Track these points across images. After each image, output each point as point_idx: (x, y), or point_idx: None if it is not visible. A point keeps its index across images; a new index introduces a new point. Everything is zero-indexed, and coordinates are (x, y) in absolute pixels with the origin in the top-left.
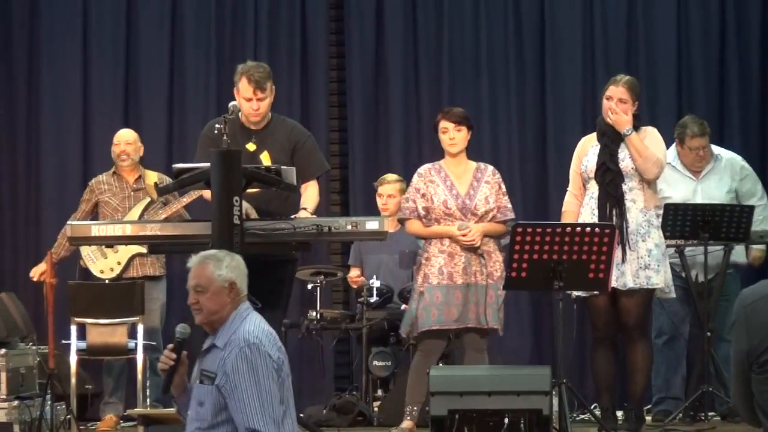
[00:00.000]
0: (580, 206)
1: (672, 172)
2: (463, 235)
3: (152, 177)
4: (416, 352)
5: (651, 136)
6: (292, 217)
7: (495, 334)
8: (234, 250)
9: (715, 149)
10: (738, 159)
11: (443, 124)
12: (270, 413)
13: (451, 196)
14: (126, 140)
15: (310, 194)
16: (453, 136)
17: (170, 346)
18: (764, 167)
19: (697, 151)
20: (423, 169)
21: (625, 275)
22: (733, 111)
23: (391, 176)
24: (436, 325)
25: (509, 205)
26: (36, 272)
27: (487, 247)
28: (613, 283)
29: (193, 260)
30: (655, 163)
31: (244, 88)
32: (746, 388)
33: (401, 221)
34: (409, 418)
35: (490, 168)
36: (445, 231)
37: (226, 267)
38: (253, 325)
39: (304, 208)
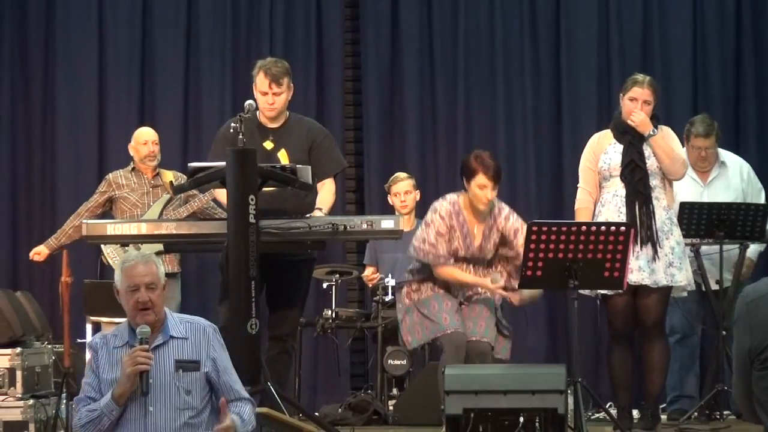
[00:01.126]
0: (596, 203)
1: None
2: (499, 288)
3: (168, 176)
4: (442, 354)
5: (669, 137)
6: (308, 216)
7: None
8: (250, 248)
9: (723, 155)
10: (745, 165)
11: (483, 179)
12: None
13: (464, 245)
14: (153, 140)
15: (325, 194)
16: (490, 196)
17: (144, 346)
18: None
19: (699, 151)
20: (444, 210)
21: (656, 273)
22: (750, 109)
23: (401, 175)
24: (440, 333)
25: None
26: (33, 252)
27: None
28: (644, 281)
29: (135, 260)
30: (683, 163)
31: (260, 81)
32: (747, 385)
33: (434, 265)
34: None
35: (505, 212)
36: (480, 283)
37: (161, 266)
38: (184, 314)
39: (319, 209)
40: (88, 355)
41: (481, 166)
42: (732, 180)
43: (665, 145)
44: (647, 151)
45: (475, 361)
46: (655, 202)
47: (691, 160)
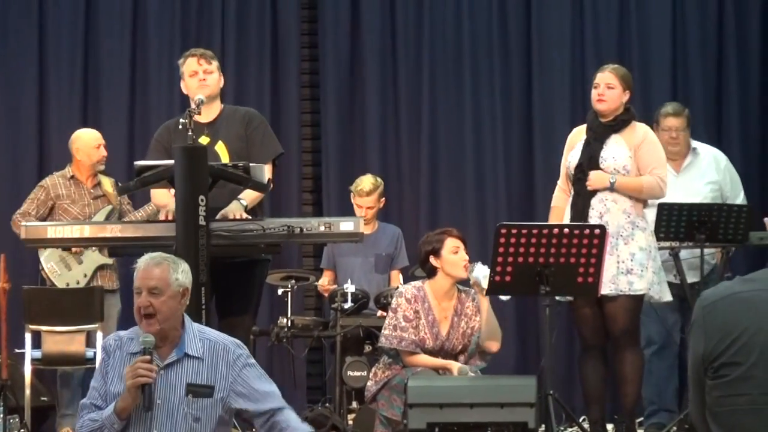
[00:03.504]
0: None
1: None
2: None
3: (108, 184)
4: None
5: (649, 144)
6: (221, 214)
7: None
8: (200, 252)
9: (694, 143)
10: (721, 156)
11: (453, 242)
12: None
13: (431, 335)
14: (104, 143)
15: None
16: (466, 256)
17: (146, 357)
18: (764, 161)
19: (669, 132)
20: (410, 294)
21: (604, 280)
22: (732, 105)
23: (366, 183)
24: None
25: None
26: None
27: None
28: (608, 290)
29: (147, 261)
30: (655, 187)
31: (188, 65)
32: (700, 397)
33: (403, 352)
34: None
35: (470, 294)
36: (449, 367)
37: (182, 272)
38: (211, 329)
39: (239, 199)
40: (98, 357)
41: (444, 233)
42: (706, 170)
43: (631, 184)
44: (606, 150)
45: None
46: (611, 204)
47: (662, 143)
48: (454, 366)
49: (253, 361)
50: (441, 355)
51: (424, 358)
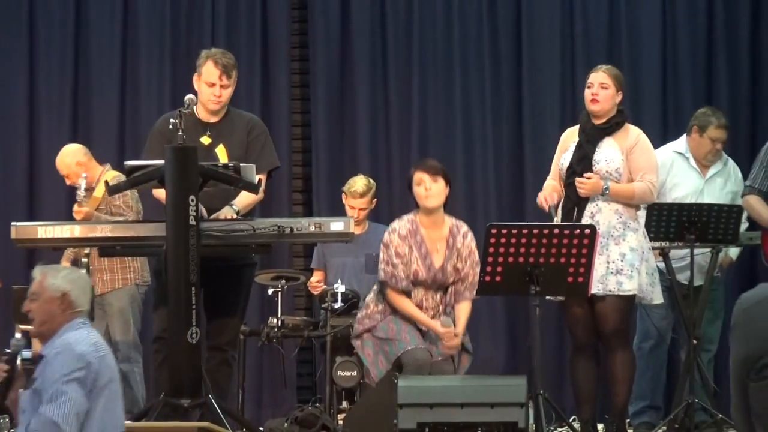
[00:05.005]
0: (559, 201)
1: (683, 163)
2: (446, 335)
3: (100, 188)
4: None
5: (641, 149)
6: (213, 217)
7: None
8: (190, 252)
9: (724, 153)
10: (737, 167)
11: (418, 175)
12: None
13: (424, 267)
14: (79, 160)
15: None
16: (429, 186)
17: (3, 358)
18: (753, 161)
19: (716, 143)
20: (403, 229)
21: (593, 279)
22: (722, 106)
23: (360, 185)
24: (412, 346)
25: (475, 280)
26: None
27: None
28: (599, 289)
29: (35, 271)
30: (647, 193)
31: (208, 71)
32: (744, 400)
33: (391, 289)
34: None
35: (463, 230)
36: (430, 325)
37: (62, 278)
38: (78, 333)
39: (231, 205)
40: None
41: (415, 165)
42: (729, 180)
43: (622, 194)
44: (599, 153)
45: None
46: (603, 204)
47: (701, 153)
48: (437, 324)
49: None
50: (434, 288)
51: (409, 307)
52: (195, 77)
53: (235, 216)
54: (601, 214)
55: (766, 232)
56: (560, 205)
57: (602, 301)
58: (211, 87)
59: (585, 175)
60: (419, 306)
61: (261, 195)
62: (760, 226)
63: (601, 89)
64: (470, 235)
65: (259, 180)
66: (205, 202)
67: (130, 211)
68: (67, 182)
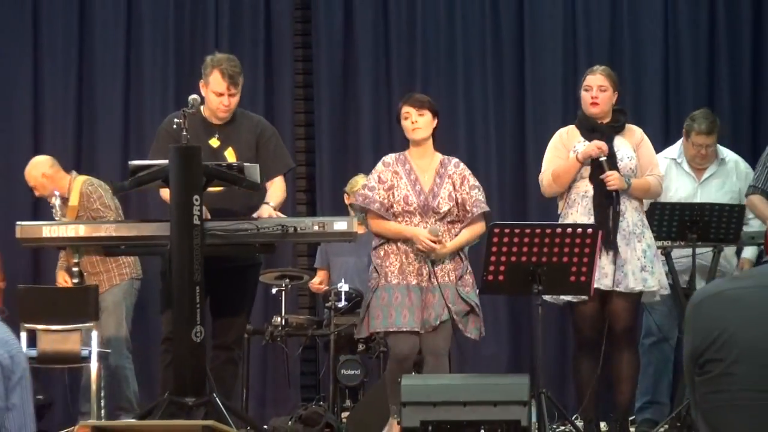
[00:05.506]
0: (563, 201)
1: (675, 169)
2: (435, 242)
3: (75, 194)
4: (388, 359)
5: (646, 146)
6: (255, 216)
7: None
8: (194, 251)
9: (722, 152)
10: (741, 161)
11: (405, 109)
12: None
13: (414, 192)
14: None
15: (275, 189)
16: (415, 119)
17: None
18: (756, 161)
19: (699, 148)
20: (390, 158)
21: (627, 277)
22: (724, 107)
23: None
24: (405, 327)
25: (481, 197)
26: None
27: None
28: (616, 287)
29: None
30: (658, 187)
31: (216, 82)
32: (694, 395)
33: (364, 211)
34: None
35: (454, 160)
36: (410, 232)
37: None
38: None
39: (267, 203)
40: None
41: (403, 100)
42: (727, 179)
43: (642, 185)
44: (620, 152)
45: (428, 360)
46: (627, 203)
47: (689, 155)
48: (420, 232)
49: None
50: (428, 215)
51: (389, 225)
52: (201, 83)
53: (274, 214)
54: (628, 212)
55: None
56: (592, 202)
57: (624, 297)
58: (219, 96)
59: (607, 172)
60: None
61: (284, 195)
62: None
63: (600, 92)
64: (462, 165)
65: (275, 180)
66: (221, 203)
67: (108, 210)
68: (36, 194)
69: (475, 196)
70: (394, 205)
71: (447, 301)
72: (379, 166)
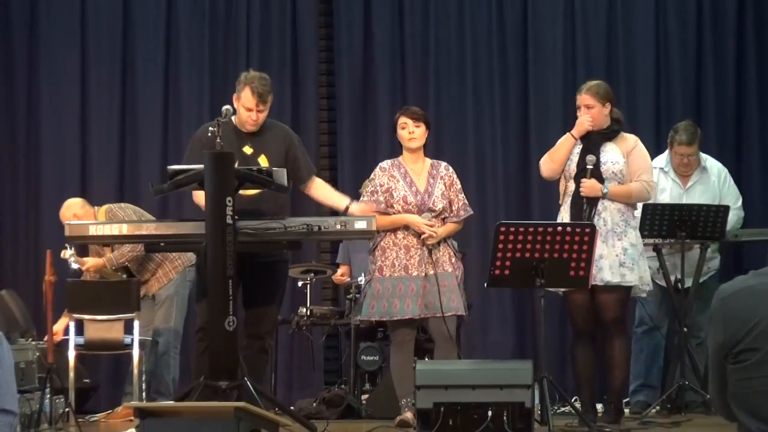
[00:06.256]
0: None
1: (662, 177)
2: (429, 226)
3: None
4: (391, 346)
5: (638, 153)
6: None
7: (461, 319)
8: (227, 248)
9: (704, 159)
10: (723, 169)
11: (402, 120)
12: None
13: (411, 192)
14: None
15: (331, 190)
16: (412, 131)
17: None
18: (739, 168)
19: (682, 157)
20: (385, 163)
21: (602, 271)
22: (710, 117)
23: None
24: (398, 316)
25: (466, 201)
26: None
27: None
28: (594, 280)
29: None
30: (644, 194)
31: (246, 98)
32: (721, 381)
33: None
34: (407, 409)
35: (444, 164)
36: (409, 219)
37: None
38: None
39: (348, 203)
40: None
41: (400, 111)
42: (710, 185)
43: (620, 193)
44: (605, 155)
45: (439, 344)
46: (607, 204)
47: (674, 164)
48: (417, 218)
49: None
50: (424, 211)
51: (390, 217)
52: (234, 97)
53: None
54: (607, 212)
55: None
56: (570, 202)
57: (608, 291)
58: (248, 111)
59: (582, 180)
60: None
61: None
62: None
63: (587, 109)
64: (451, 168)
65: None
66: (253, 203)
67: (124, 256)
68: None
69: (462, 200)
70: (395, 205)
71: (449, 291)
72: (377, 171)
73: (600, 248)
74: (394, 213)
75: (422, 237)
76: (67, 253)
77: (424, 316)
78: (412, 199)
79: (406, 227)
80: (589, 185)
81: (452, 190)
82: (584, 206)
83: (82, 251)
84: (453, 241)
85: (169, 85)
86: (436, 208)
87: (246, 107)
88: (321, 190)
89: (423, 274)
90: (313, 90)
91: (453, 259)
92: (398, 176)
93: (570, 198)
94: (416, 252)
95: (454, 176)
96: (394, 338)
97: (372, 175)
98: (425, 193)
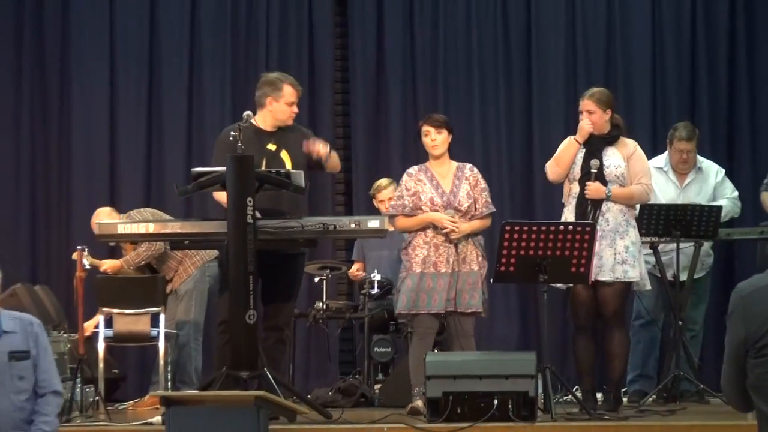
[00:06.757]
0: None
1: (661, 176)
2: (452, 221)
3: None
4: (413, 336)
5: (637, 157)
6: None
7: (479, 316)
8: (248, 246)
9: (700, 160)
10: (721, 170)
11: (425, 128)
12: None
13: (437, 194)
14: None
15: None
16: (434, 138)
17: None
18: (731, 168)
19: (681, 153)
20: (412, 169)
21: (605, 268)
22: (704, 119)
23: (383, 182)
24: (425, 310)
25: (489, 200)
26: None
27: (465, 241)
28: (598, 276)
29: None
30: (643, 194)
31: (289, 93)
32: (738, 374)
33: (391, 218)
34: (418, 398)
35: (468, 165)
36: (432, 216)
37: None
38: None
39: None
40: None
41: (423, 119)
42: (705, 184)
43: (623, 196)
44: (607, 159)
45: (459, 341)
46: (610, 205)
47: (674, 161)
48: (440, 215)
49: (46, 336)
50: (445, 211)
51: (416, 218)
52: (269, 99)
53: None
54: (610, 213)
55: None
56: (575, 204)
57: (609, 286)
58: (290, 106)
59: (587, 183)
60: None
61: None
62: None
63: (588, 114)
64: (476, 169)
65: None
66: (272, 203)
67: (140, 256)
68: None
69: (485, 198)
70: (423, 207)
71: (472, 288)
72: (404, 177)
73: (603, 247)
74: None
75: (444, 232)
76: (82, 255)
77: (448, 311)
78: (438, 200)
79: (435, 227)
80: (593, 188)
81: (476, 189)
82: (588, 207)
83: (111, 253)
84: (481, 240)
85: (192, 92)
86: (462, 208)
87: (289, 102)
88: (330, 164)
89: (450, 271)
90: (329, 95)
91: (480, 258)
92: (425, 180)
93: (575, 200)
94: (444, 250)
95: (479, 176)
96: (416, 329)
97: (401, 181)
98: (450, 193)
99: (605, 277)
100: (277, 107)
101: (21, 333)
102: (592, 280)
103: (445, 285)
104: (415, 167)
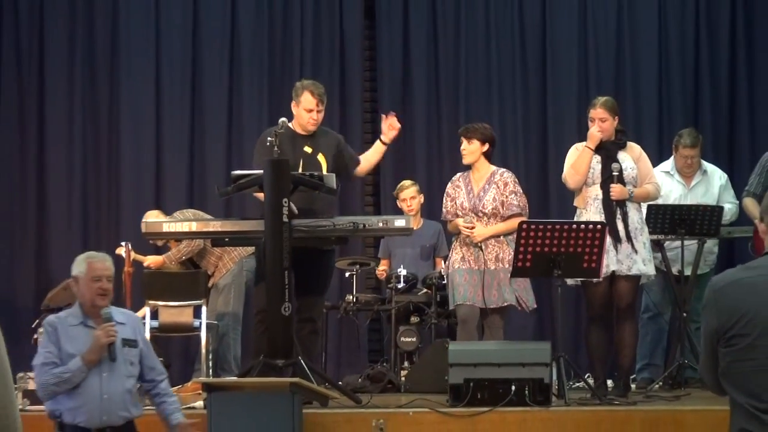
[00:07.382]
0: (583, 201)
1: (668, 179)
2: (467, 227)
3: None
4: (457, 326)
5: (644, 159)
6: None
7: (510, 309)
8: (284, 244)
9: (705, 164)
10: (724, 175)
11: (460, 138)
12: None
13: (468, 198)
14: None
15: (367, 154)
16: (464, 147)
17: (112, 322)
18: (732, 171)
19: (686, 159)
20: (456, 176)
21: (636, 264)
22: (707, 126)
23: (406, 182)
24: (468, 301)
25: (514, 202)
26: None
27: (495, 241)
28: (628, 271)
29: (97, 257)
30: (657, 192)
31: (307, 100)
32: (713, 361)
33: (445, 222)
34: None
35: (501, 170)
36: (454, 222)
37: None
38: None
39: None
40: (41, 330)
41: (459, 130)
42: (710, 186)
43: (641, 195)
44: (624, 164)
45: (489, 332)
46: (629, 205)
47: (679, 166)
48: (458, 221)
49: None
50: (477, 215)
51: (452, 223)
52: (293, 104)
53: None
54: (631, 213)
55: (756, 228)
56: (602, 204)
57: (625, 280)
58: (309, 112)
59: (612, 185)
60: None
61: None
62: None
63: (600, 122)
64: (507, 173)
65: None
66: (306, 203)
67: (181, 252)
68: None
69: (510, 200)
70: (458, 211)
71: (502, 284)
72: (449, 184)
73: (625, 244)
74: (458, 216)
75: (462, 236)
76: (122, 251)
77: (479, 305)
78: (467, 204)
79: None
80: (618, 190)
81: (504, 191)
82: (614, 208)
83: (157, 252)
84: (512, 239)
85: (232, 101)
86: (486, 210)
87: (307, 109)
88: (363, 163)
89: (481, 268)
90: (358, 102)
91: (510, 257)
92: (462, 185)
93: (599, 202)
94: (475, 250)
95: (508, 179)
96: (459, 317)
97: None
98: (477, 197)
99: (639, 270)
100: (297, 113)
101: (129, 325)
102: (610, 273)
103: (478, 281)
104: (459, 174)
